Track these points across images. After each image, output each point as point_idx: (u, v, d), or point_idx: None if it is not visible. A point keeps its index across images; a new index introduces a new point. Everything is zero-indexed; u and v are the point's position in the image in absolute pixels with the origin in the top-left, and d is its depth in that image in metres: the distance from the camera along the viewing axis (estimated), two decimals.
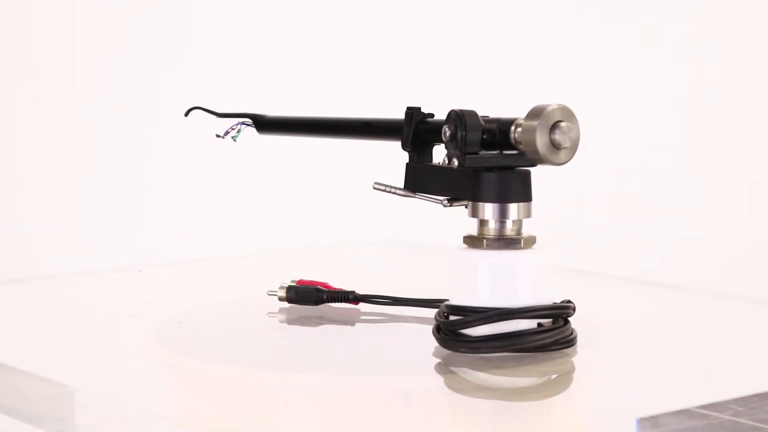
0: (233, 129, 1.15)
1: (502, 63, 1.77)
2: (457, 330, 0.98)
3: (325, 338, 1.10)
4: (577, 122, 0.97)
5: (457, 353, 0.98)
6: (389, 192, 1.01)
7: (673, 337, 1.11)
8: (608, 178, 1.77)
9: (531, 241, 0.99)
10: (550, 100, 0.98)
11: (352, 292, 1.14)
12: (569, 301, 1.01)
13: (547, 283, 1.00)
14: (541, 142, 0.96)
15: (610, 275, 1.50)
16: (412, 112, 1.03)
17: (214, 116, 1.14)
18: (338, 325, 1.13)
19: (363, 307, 1.14)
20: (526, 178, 0.99)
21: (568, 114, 0.97)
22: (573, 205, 1.76)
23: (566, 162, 0.98)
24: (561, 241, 1.74)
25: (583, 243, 1.75)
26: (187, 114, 1.12)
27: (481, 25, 1.77)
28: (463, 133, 0.98)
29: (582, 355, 1.02)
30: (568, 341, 0.99)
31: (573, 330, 1.00)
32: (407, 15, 1.77)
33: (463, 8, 1.76)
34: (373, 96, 1.69)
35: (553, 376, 0.97)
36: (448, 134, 0.99)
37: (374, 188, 1.02)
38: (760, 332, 1.15)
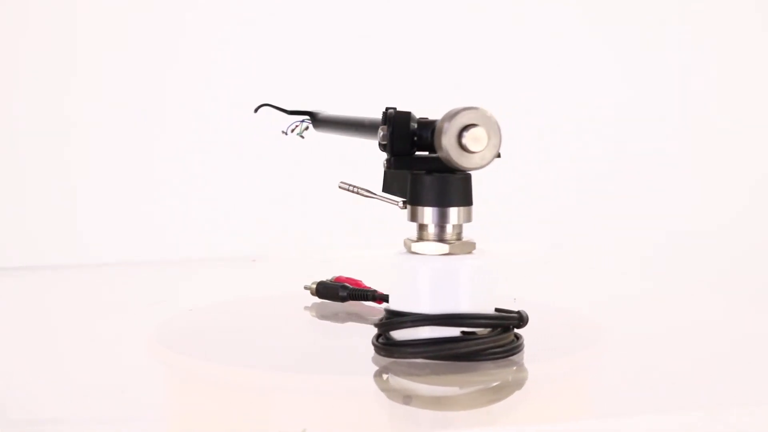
0: (297, 126, 1.13)
1: (501, 63, 1.77)
2: (386, 334, 0.97)
3: (326, 338, 1.11)
4: (493, 125, 0.94)
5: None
6: (353, 192, 1.00)
7: (673, 336, 1.11)
8: (608, 177, 1.77)
9: (469, 247, 0.98)
10: (474, 102, 0.96)
11: (374, 291, 1.14)
12: (517, 312, 0.98)
13: (485, 290, 0.97)
14: (448, 145, 0.95)
15: (610, 275, 1.50)
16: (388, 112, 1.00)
17: (282, 113, 1.12)
18: (341, 324, 1.14)
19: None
20: (467, 181, 0.97)
21: (482, 117, 0.95)
22: (574, 204, 1.76)
23: (481, 166, 0.95)
24: (561, 241, 1.74)
25: (582, 242, 1.75)
26: (256, 110, 1.11)
27: (481, 24, 1.77)
28: (391, 134, 0.98)
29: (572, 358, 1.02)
30: (504, 351, 0.96)
31: (515, 339, 0.97)
32: (408, 15, 1.77)
33: (463, 8, 1.76)
34: (372, 96, 1.69)
35: (490, 384, 0.94)
36: (381, 135, 0.98)
37: (339, 187, 1.00)
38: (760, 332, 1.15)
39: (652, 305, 1.27)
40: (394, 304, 0.98)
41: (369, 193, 1.00)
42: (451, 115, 0.95)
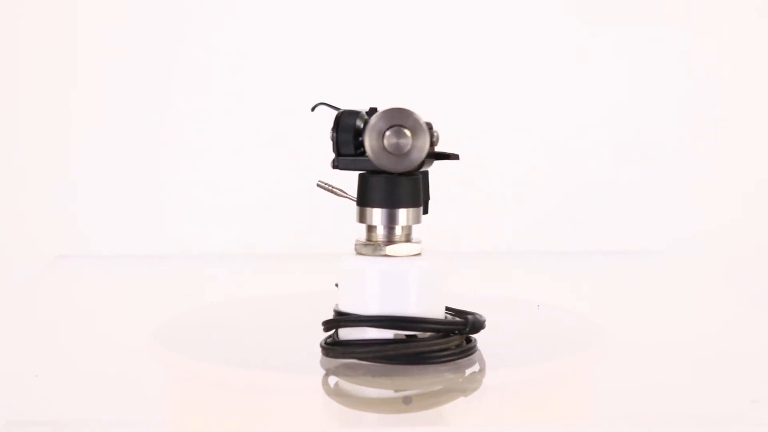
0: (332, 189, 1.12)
1: (501, 62, 1.77)
2: (333, 335, 0.97)
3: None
4: (419, 127, 0.94)
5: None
6: (330, 191, 0.99)
7: (674, 337, 1.11)
8: (610, 177, 1.77)
9: (409, 250, 0.96)
10: (402, 103, 0.95)
11: None
12: (464, 318, 0.97)
13: (431, 292, 0.96)
14: (371, 147, 0.94)
15: (608, 275, 1.50)
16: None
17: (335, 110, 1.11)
18: None
19: None
20: (415, 183, 0.96)
21: (407, 118, 0.94)
22: (572, 205, 1.76)
23: (407, 168, 0.94)
24: (557, 241, 1.75)
25: (581, 244, 1.75)
26: (313, 109, 1.10)
27: (482, 24, 1.77)
28: (335, 134, 0.97)
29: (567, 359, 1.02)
30: (447, 354, 0.95)
31: (463, 344, 0.97)
32: (408, 15, 1.77)
33: (463, 8, 1.76)
34: (373, 96, 1.68)
35: (430, 389, 0.93)
36: (331, 135, 0.97)
37: (317, 185, 1.00)
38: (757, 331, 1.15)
39: (652, 305, 1.27)
40: (342, 305, 0.98)
41: (343, 193, 0.99)
42: (376, 117, 0.94)
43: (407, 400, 0.91)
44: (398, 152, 0.94)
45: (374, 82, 1.76)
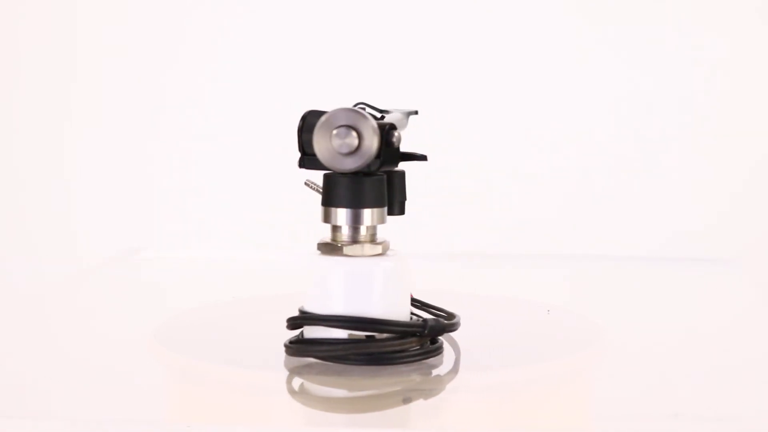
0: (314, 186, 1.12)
1: (500, 62, 1.77)
2: (298, 335, 0.98)
3: None
4: (367, 127, 0.94)
5: None
6: (315, 190, 1.00)
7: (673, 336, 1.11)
8: (609, 176, 1.77)
9: (373, 250, 0.96)
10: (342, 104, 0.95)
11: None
12: (424, 320, 0.96)
13: (392, 292, 0.96)
14: (318, 147, 0.95)
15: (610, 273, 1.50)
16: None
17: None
18: None
19: None
20: (380, 183, 0.96)
21: (354, 119, 0.94)
22: (572, 205, 1.77)
23: (353, 168, 0.94)
24: (562, 243, 1.75)
25: (582, 243, 1.75)
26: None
27: (481, 24, 1.77)
28: (299, 133, 0.97)
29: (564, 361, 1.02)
30: (400, 356, 0.95)
31: (427, 345, 0.96)
32: (408, 15, 1.77)
33: (463, 8, 1.76)
34: (372, 96, 1.68)
35: (385, 390, 0.93)
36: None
37: (305, 184, 1.00)
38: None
39: (652, 306, 1.27)
40: (306, 305, 0.98)
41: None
42: (325, 117, 0.95)
43: (407, 400, 0.92)
44: (344, 152, 0.94)
45: (373, 82, 1.76)
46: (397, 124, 0.98)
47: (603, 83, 1.77)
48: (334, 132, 0.94)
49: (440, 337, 0.99)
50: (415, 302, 1.06)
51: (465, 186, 1.74)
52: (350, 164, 0.94)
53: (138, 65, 1.73)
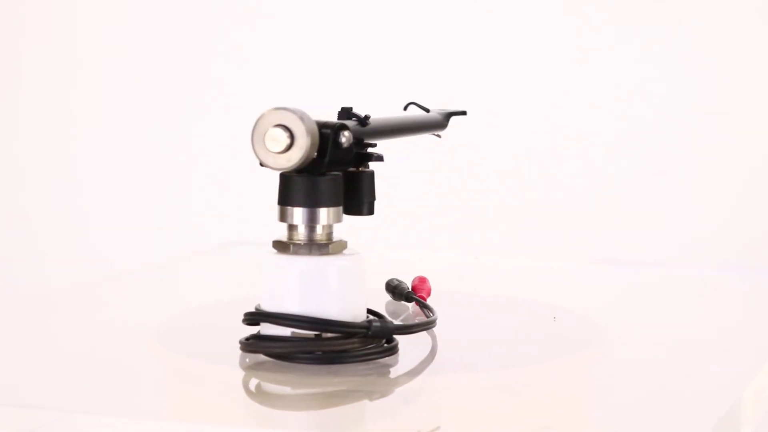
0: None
1: (500, 62, 1.77)
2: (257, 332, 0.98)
3: None
4: (299, 126, 0.94)
5: None
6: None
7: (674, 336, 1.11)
8: (610, 176, 1.77)
9: (329, 249, 0.97)
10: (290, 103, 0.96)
11: (409, 292, 1.13)
12: (368, 322, 0.96)
13: (345, 291, 0.96)
14: (254, 145, 0.95)
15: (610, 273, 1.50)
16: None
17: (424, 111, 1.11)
18: None
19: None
20: (336, 182, 0.96)
21: (286, 117, 0.94)
22: (572, 205, 1.77)
23: (287, 167, 0.94)
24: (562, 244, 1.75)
25: (584, 243, 1.75)
26: (405, 108, 1.10)
27: (481, 24, 1.77)
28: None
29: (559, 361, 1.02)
30: (345, 356, 0.95)
31: (375, 346, 0.96)
32: (408, 15, 1.77)
33: (463, 8, 1.76)
34: (372, 96, 1.69)
35: (328, 389, 0.93)
36: None
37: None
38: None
39: (652, 306, 1.27)
40: (262, 303, 0.98)
41: None
42: (260, 116, 0.95)
43: (407, 400, 0.92)
44: (276, 150, 0.94)
45: (374, 82, 1.76)
46: (435, 125, 0.98)
47: (603, 83, 1.77)
48: (269, 131, 0.95)
49: (415, 335, 1.00)
50: (410, 299, 1.09)
51: (465, 186, 1.74)
52: (283, 163, 0.95)
53: (137, 65, 1.73)
